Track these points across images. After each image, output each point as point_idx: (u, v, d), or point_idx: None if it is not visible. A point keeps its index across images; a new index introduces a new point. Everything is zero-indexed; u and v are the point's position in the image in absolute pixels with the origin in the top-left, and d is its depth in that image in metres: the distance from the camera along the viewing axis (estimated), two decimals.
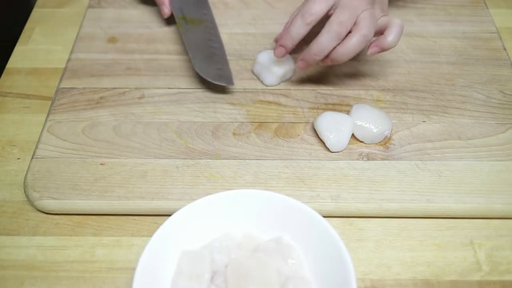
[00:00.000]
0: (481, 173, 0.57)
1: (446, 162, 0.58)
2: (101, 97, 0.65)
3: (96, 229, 0.54)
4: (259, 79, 0.67)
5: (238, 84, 0.66)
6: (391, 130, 0.60)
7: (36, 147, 0.59)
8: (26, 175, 0.57)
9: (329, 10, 0.59)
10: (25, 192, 0.56)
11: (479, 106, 0.64)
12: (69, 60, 0.70)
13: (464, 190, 0.55)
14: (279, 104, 0.64)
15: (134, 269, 0.44)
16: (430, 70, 0.68)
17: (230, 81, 0.65)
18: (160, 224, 0.47)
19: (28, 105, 0.66)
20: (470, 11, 0.76)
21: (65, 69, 0.68)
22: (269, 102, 0.64)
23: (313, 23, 0.59)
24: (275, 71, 0.65)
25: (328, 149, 0.59)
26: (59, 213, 0.55)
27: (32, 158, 0.58)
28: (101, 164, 0.58)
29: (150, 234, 0.48)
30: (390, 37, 0.60)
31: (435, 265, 0.51)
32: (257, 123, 0.62)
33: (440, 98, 0.65)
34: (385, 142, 0.60)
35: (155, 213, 0.55)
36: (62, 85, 0.66)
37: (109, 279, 0.51)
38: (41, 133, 0.61)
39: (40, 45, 0.73)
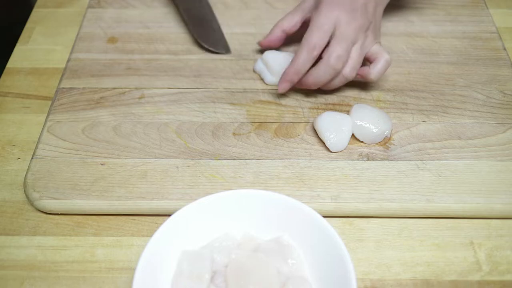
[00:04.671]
0: (481, 173, 0.57)
1: (446, 162, 0.58)
2: (101, 97, 0.65)
3: (96, 229, 0.54)
4: (260, 76, 0.67)
5: (238, 84, 0.66)
6: (391, 130, 0.60)
7: (36, 147, 0.59)
8: (26, 175, 0.57)
9: (328, 39, 0.60)
10: (25, 192, 0.56)
11: (479, 106, 0.64)
12: (69, 60, 0.70)
13: (464, 190, 0.55)
14: (279, 104, 0.64)
15: (134, 269, 0.44)
16: (430, 70, 0.68)
17: (228, 48, 0.70)
18: (160, 224, 0.47)
19: (28, 105, 0.66)
20: (470, 11, 0.76)
21: (65, 69, 0.68)
22: (269, 102, 0.64)
23: (318, 55, 0.60)
24: (277, 71, 0.65)
25: (328, 149, 0.59)
26: (59, 213, 0.55)
27: (32, 158, 0.58)
28: (101, 164, 0.58)
29: (150, 234, 0.48)
30: (373, 72, 0.61)
31: (435, 265, 0.51)
32: (257, 123, 0.62)
33: (440, 98, 0.65)
34: (385, 142, 0.60)
35: (155, 213, 0.55)
36: (62, 85, 0.66)
37: (109, 279, 0.51)
38: (41, 133, 0.61)
39: (40, 45, 0.73)
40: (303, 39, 0.60)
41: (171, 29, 0.74)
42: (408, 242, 0.53)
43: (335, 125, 0.59)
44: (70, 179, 0.56)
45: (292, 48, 0.70)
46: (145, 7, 0.77)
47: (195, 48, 0.71)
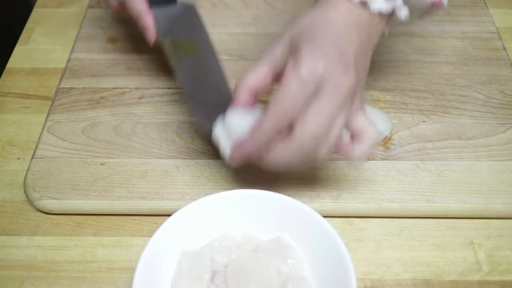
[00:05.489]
0: (481, 173, 0.57)
1: (446, 162, 0.58)
2: (101, 97, 0.65)
3: (96, 229, 0.54)
4: (217, 145, 0.51)
5: None
6: (391, 130, 0.60)
7: (36, 147, 0.59)
8: (26, 175, 0.57)
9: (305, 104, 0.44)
10: (25, 192, 0.56)
11: (479, 106, 0.64)
12: (69, 60, 0.70)
13: (464, 190, 0.55)
14: None
15: (134, 269, 0.44)
16: (430, 70, 0.68)
17: None
18: (160, 224, 0.47)
19: (28, 105, 0.66)
20: (470, 11, 0.76)
21: (65, 69, 0.68)
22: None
23: (288, 125, 0.44)
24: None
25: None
26: (59, 213, 0.55)
27: (32, 158, 0.58)
28: (101, 164, 0.58)
29: (150, 234, 0.48)
30: (357, 153, 0.48)
31: (435, 265, 0.51)
32: None
33: (440, 98, 0.65)
34: (385, 142, 0.60)
35: (155, 213, 0.55)
36: (62, 85, 0.66)
37: (109, 279, 0.51)
38: (41, 133, 0.61)
39: (40, 45, 0.73)
40: (271, 101, 0.44)
41: None
42: (408, 242, 0.53)
43: None
44: (70, 179, 0.56)
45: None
46: None
47: None
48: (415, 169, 0.57)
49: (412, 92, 0.65)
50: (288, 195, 0.49)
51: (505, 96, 0.65)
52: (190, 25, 0.60)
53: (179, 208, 0.49)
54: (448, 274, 0.51)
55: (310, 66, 0.43)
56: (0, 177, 0.58)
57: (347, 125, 0.47)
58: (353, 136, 0.48)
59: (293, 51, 0.45)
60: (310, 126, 0.43)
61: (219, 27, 0.73)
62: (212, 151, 0.59)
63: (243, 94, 0.48)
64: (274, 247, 0.49)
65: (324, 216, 0.48)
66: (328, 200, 0.54)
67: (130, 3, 0.59)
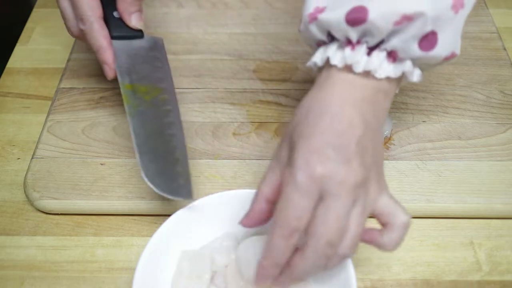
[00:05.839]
0: (481, 173, 0.57)
1: (446, 162, 0.58)
2: (101, 97, 0.65)
3: (96, 229, 0.54)
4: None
5: (238, 84, 0.66)
6: (391, 130, 0.60)
7: (36, 147, 0.59)
8: (26, 175, 0.57)
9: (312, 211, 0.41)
10: (25, 192, 0.56)
11: (479, 106, 0.64)
12: (69, 60, 0.70)
13: (464, 190, 0.55)
14: (279, 104, 0.64)
15: (134, 269, 0.44)
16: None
17: (189, 193, 0.49)
18: (160, 224, 0.47)
19: (28, 105, 0.66)
20: (470, 11, 0.76)
21: (65, 69, 0.68)
22: (269, 102, 0.64)
23: (299, 237, 0.41)
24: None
25: None
26: (59, 213, 0.55)
27: (32, 158, 0.58)
28: (101, 164, 0.58)
29: (150, 234, 0.48)
30: (388, 243, 0.44)
31: (435, 265, 0.51)
32: (257, 123, 0.62)
33: (440, 98, 0.65)
34: (385, 142, 0.60)
35: (155, 213, 0.55)
36: (62, 85, 0.66)
37: (109, 279, 0.51)
38: (41, 133, 0.61)
39: (40, 45, 0.73)
40: (276, 216, 0.41)
41: (171, 29, 0.74)
42: (408, 242, 0.53)
43: None
44: (70, 179, 0.56)
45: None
46: (145, 6, 0.77)
47: (195, 48, 0.71)
48: (415, 169, 0.57)
49: (412, 92, 0.65)
50: None
51: (505, 96, 0.65)
52: (153, 64, 0.57)
53: (179, 208, 0.48)
54: (448, 274, 0.51)
55: (306, 172, 0.40)
56: (0, 177, 0.58)
57: (372, 215, 0.43)
58: (381, 222, 0.44)
59: (291, 153, 0.42)
60: (321, 233, 0.40)
61: (219, 27, 0.73)
62: (212, 151, 0.59)
63: (261, 204, 0.44)
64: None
65: None
66: None
67: (91, 34, 0.55)
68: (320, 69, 0.46)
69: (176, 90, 0.65)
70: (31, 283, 0.51)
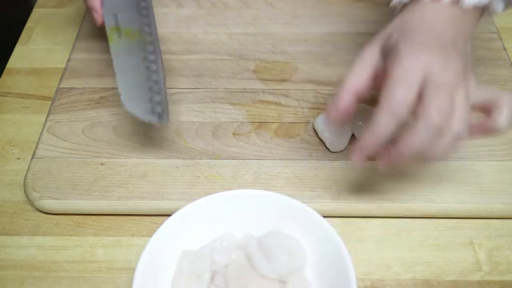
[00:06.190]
0: (481, 173, 0.57)
1: (446, 162, 0.58)
2: (101, 97, 0.65)
3: (96, 229, 0.54)
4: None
5: (238, 84, 0.66)
6: None
7: (36, 147, 0.59)
8: (26, 175, 0.57)
9: (418, 93, 0.43)
10: (25, 192, 0.56)
11: None
12: (69, 60, 0.70)
13: (464, 190, 0.55)
14: (279, 104, 0.64)
15: (134, 269, 0.44)
16: None
17: (164, 117, 0.53)
18: (160, 224, 0.47)
19: (28, 105, 0.66)
20: None
21: (65, 69, 0.68)
22: (269, 102, 0.64)
23: (405, 117, 0.43)
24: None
25: (328, 149, 0.59)
26: (59, 213, 0.55)
27: (32, 158, 0.58)
28: (101, 164, 0.58)
29: (150, 234, 0.48)
30: (501, 120, 0.45)
31: (435, 265, 0.51)
32: (257, 123, 0.62)
33: None
34: None
35: (155, 213, 0.55)
36: (62, 85, 0.66)
37: (109, 279, 0.51)
38: (41, 133, 0.61)
39: (40, 45, 0.73)
40: (382, 98, 0.44)
41: (171, 29, 0.74)
42: (408, 242, 0.53)
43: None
44: (70, 179, 0.56)
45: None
46: None
47: (195, 48, 0.71)
48: (415, 169, 0.57)
49: None
50: (288, 195, 0.49)
51: None
52: (138, 10, 0.60)
53: (179, 208, 0.49)
54: (448, 274, 0.51)
55: (411, 59, 0.43)
56: (0, 177, 0.58)
57: (473, 106, 0.46)
58: (486, 111, 0.46)
59: (391, 51, 0.45)
60: (433, 104, 0.42)
61: (219, 27, 0.73)
62: (212, 151, 0.59)
63: (346, 96, 0.47)
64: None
65: (324, 216, 0.48)
66: (328, 200, 0.54)
67: None
68: (405, 5, 0.49)
69: (176, 90, 0.65)
70: (31, 283, 0.51)
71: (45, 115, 0.63)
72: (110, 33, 0.57)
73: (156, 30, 0.59)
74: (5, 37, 0.79)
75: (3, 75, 0.69)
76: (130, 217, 0.55)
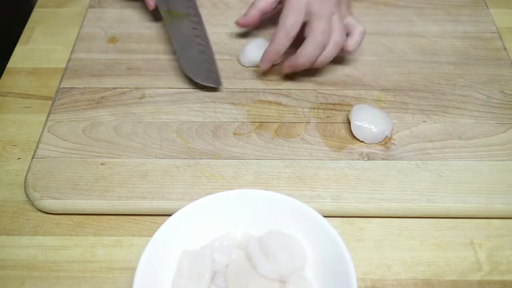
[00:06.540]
0: (482, 173, 0.57)
1: (447, 162, 0.58)
2: (101, 97, 0.65)
3: (97, 229, 0.54)
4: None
5: (239, 84, 0.66)
6: (392, 130, 0.60)
7: (37, 147, 0.59)
8: (26, 175, 0.57)
9: (304, 20, 0.62)
10: (25, 192, 0.56)
11: (479, 106, 0.64)
12: (69, 60, 0.70)
13: (464, 190, 0.55)
14: (280, 104, 0.64)
15: (134, 269, 0.44)
16: (430, 70, 0.68)
17: (218, 81, 0.65)
18: (161, 224, 0.47)
19: (29, 105, 0.66)
20: (471, 11, 0.76)
21: (65, 69, 0.68)
22: (270, 102, 0.64)
23: (295, 35, 0.62)
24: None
25: (329, 149, 0.59)
26: (60, 213, 0.55)
27: (33, 158, 0.58)
28: (102, 164, 0.58)
29: (150, 234, 0.48)
30: (350, 44, 0.64)
31: (436, 265, 0.51)
32: (258, 123, 0.62)
33: (441, 98, 0.65)
34: (386, 142, 0.60)
35: (156, 213, 0.55)
36: (62, 85, 0.66)
37: (110, 279, 0.51)
38: (41, 133, 0.61)
39: (40, 45, 0.73)
40: (279, 22, 0.62)
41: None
42: (408, 242, 0.53)
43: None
44: (70, 179, 0.56)
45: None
46: (146, 6, 0.77)
47: None
48: (415, 169, 0.57)
49: (413, 92, 0.65)
50: (288, 195, 0.49)
51: (505, 96, 0.65)
52: None
53: (179, 208, 0.49)
54: (449, 274, 0.51)
55: None
56: (0, 177, 0.58)
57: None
58: (347, 33, 0.64)
59: None
60: (317, 27, 0.61)
61: (220, 27, 0.73)
62: (212, 151, 0.59)
63: (254, 12, 0.67)
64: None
65: (325, 216, 0.48)
66: (328, 200, 0.54)
67: None
68: None
69: (177, 90, 0.65)
70: (32, 283, 0.51)
71: (46, 115, 0.63)
72: (164, 15, 0.70)
73: (199, 12, 0.72)
74: (6, 37, 0.79)
75: (3, 75, 0.69)
76: (131, 217, 0.55)
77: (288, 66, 0.64)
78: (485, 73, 0.68)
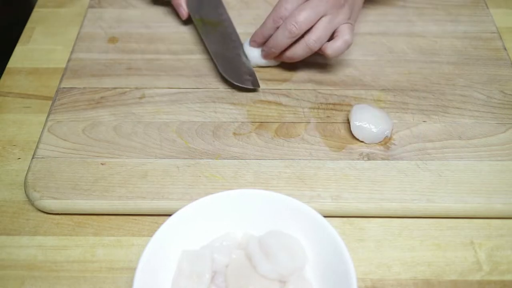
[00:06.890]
0: (481, 173, 0.57)
1: (447, 162, 0.58)
2: (101, 97, 0.65)
3: (97, 229, 0.54)
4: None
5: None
6: (392, 130, 0.60)
7: (37, 147, 0.59)
8: (26, 175, 0.57)
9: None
10: (25, 192, 0.56)
11: (479, 106, 0.64)
12: (69, 60, 0.70)
13: (464, 190, 0.55)
14: (280, 104, 0.64)
15: (134, 269, 0.44)
16: (430, 70, 0.68)
17: (256, 83, 0.65)
18: (161, 224, 0.47)
19: (29, 105, 0.66)
20: (471, 11, 0.76)
21: (65, 69, 0.68)
22: (270, 102, 0.64)
23: (280, 23, 0.62)
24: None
25: (329, 149, 0.59)
26: (60, 213, 0.55)
27: (33, 158, 0.58)
28: (102, 164, 0.58)
29: (150, 234, 0.48)
30: (329, 47, 0.62)
31: (436, 265, 0.51)
32: (258, 123, 0.62)
33: (441, 98, 0.65)
34: (386, 142, 0.60)
35: (156, 213, 0.55)
36: (62, 85, 0.66)
37: (110, 279, 0.51)
38: (41, 133, 0.61)
39: (40, 45, 0.73)
40: (274, 8, 0.62)
41: (171, 28, 0.74)
42: (408, 242, 0.53)
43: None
44: (70, 179, 0.56)
45: None
46: (146, 7, 0.77)
47: (196, 48, 0.71)
48: (415, 169, 0.57)
49: (413, 92, 0.65)
50: (288, 195, 0.49)
51: (505, 96, 0.65)
52: (214, 6, 0.74)
53: (179, 208, 0.49)
54: (449, 274, 0.51)
55: None
56: (0, 177, 0.58)
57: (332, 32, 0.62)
58: (333, 37, 0.62)
59: None
60: (293, 16, 0.60)
61: None
62: (212, 151, 0.59)
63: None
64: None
65: (325, 216, 0.48)
66: (328, 200, 0.54)
67: None
68: None
69: (177, 90, 0.65)
70: (32, 283, 0.51)
71: (46, 115, 0.63)
72: (196, 23, 0.71)
73: (230, 19, 0.73)
74: (6, 37, 0.79)
75: (3, 75, 0.69)
76: (131, 217, 0.55)
77: (263, 50, 0.66)
78: (485, 73, 0.68)
